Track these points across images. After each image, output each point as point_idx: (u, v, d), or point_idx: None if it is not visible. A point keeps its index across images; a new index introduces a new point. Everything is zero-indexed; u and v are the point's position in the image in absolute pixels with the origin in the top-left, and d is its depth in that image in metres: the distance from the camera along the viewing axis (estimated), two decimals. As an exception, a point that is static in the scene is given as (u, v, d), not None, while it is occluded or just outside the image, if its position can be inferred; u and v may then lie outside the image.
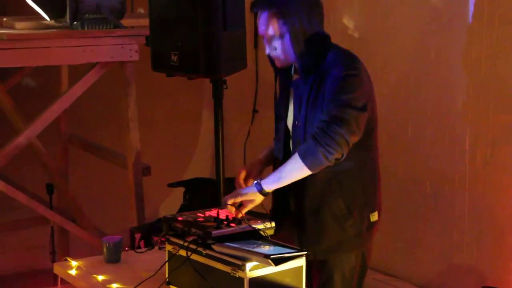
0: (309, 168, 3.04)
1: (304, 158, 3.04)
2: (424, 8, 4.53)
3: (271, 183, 3.10)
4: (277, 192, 3.16)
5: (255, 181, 3.13)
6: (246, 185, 3.27)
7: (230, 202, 3.11)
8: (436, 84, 4.49)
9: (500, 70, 4.15)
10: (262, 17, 3.15)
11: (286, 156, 3.23)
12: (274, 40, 3.16)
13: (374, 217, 3.27)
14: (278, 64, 3.23)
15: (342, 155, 3.04)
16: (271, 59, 3.27)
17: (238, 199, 3.11)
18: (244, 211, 3.11)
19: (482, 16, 4.18)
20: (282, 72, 3.29)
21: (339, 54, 3.16)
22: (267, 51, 3.21)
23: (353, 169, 3.17)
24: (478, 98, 4.27)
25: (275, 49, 3.17)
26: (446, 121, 4.45)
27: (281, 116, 3.32)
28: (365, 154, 3.20)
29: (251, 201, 3.11)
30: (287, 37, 3.13)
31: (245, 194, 3.12)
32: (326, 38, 3.20)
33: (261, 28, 3.18)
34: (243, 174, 3.33)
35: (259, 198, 3.12)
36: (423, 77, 4.56)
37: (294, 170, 3.08)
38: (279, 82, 3.36)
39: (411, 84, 4.63)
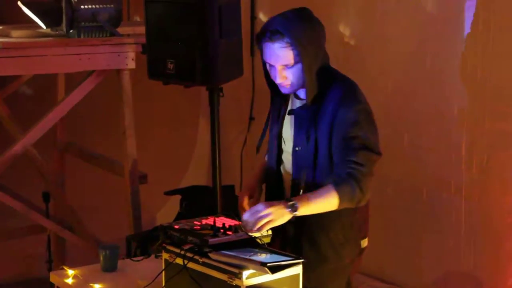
0: (339, 206, 3.05)
1: (341, 200, 3.03)
2: (420, 16, 4.53)
3: (303, 211, 3.03)
4: None
5: (291, 206, 2.99)
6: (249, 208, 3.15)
7: (262, 228, 2.96)
8: (432, 91, 4.49)
9: (495, 77, 4.15)
10: (275, 47, 3.10)
11: (277, 177, 3.26)
12: (286, 70, 3.13)
13: (365, 243, 3.31)
14: (285, 91, 3.20)
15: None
16: (270, 84, 3.26)
17: (273, 224, 2.98)
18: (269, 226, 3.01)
19: (477, 23, 4.19)
20: (278, 93, 3.28)
21: (344, 86, 3.15)
22: (278, 80, 3.16)
23: None
24: (474, 105, 4.28)
25: (286, 78, 3.15)
26: (442, 128, 4.45)
27: (274, 136, 3.32)
28: None
29: None
30: (300, 67, 3.11)
31: (278, 219, 2.97)
32: (331, 69, 3.21)
33: (271, 58, 3.13)
34: (246, 199, 3.32)
35: (285, 220, 3.02)
36: (419, 85, 4.56)
37: (326, 206, 3.06)
38: (273, 102, 3.35)
39: (407, 91, 4.64)
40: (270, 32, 3.10)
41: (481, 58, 4.20)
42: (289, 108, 3.28)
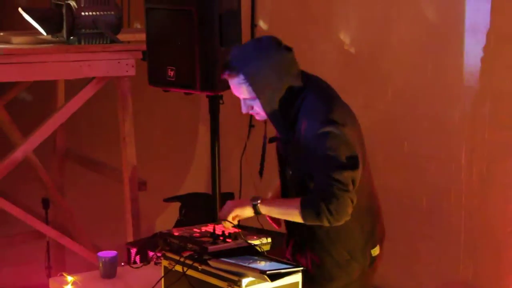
0: (303, 219, 3.05)
1: (304, 213, 3.03)
2: (420, 24, 4.54)
3: (265, 210, 3.12)
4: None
5: (254, 200, 3.11)
6: None
7: (230, 218, 3.12)
8: (433, 100, 4.49)
9: (496, 86, 4.16)
10: (233, 82, 3.11)
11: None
12: (250, 101, 3.14)
13: (376, 251, 3.27)
14: (258, 118, 3.21)
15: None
16: None
17: (237, 216, 3.14)
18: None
19: (477, 31, 4.20)
20: None
21: (311, 102, 3.09)
22: (244, 110, 3.18)
23: None
24: (474, 114, 4.27)
25: (251, 108, 3.16)
26: (442, 137, 4.45)
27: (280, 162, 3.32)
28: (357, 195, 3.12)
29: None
30: (258, 101, 3.11)
31: (242, 211, 3.13)
32: (299, 88, 3.12)
33: (233, 91, 3.16)
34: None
35: (250, 214, 3.14)
36: (419, 93, 4.56)
37: (289, 215, 3.10)
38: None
39: (408, 99, 4.64)
40: (227, 68, 3.11)
41: (482, 67, 4.20)
42: (269, 136, 3.28)
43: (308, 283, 3.13)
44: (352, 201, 3.01)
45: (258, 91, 3.08)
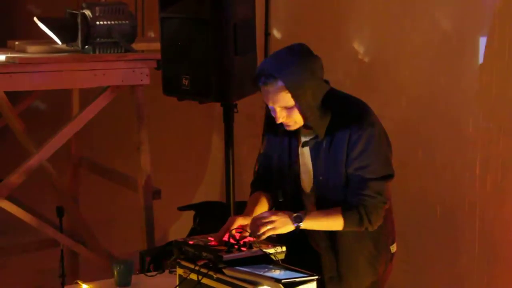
0: (344, 229, 3.14)
1: (347, 224, 3.11)
2: (435, 33, 4.53)
3: (306, 226, 3.10)
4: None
5: (297, 220, 3.07)
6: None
7: (264, 234, 3.05)
8: (447, 108, 4.49)
9: (511, 95, 4.15)
10: (270, 91, 3.10)
11: (297, 206, 3.25)
12: (287, 110, 3.12)
13: (394, 248, 3.35)
14: (289, 129, 3.20)
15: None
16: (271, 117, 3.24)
17: (273, 232, 3.07)
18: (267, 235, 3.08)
19: (492, 41, 4.19)
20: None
21: (352, 111, 3.17)
22: (280, 121, 3.15)
23: None
24: (488, 123, 4.27)
25: (288, 117, 3.14)
26: (457, 145, 4.44)
27: (287, 167, 3.31)
28: None
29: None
30: (298, 108, 3.11)
31: (283, 230, 3.08)
32: (335, 93, 3.19)
33: (269, 101, 3.13)
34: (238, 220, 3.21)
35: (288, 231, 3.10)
36: (433, 102, 4.56)
37: (331, 226, 3.16)
38: (271, 128, 3.34)
39: (422, 108, 4.63)
40: (264, 76, 3.10)
41: (496, 76, 4.19)
42: (302, 139, 3.26)
43: (339, 281, 3.15)
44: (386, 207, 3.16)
45: (298, 96, 3.07)
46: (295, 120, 3.14)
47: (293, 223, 3.07)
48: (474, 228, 4.36)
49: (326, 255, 3.24)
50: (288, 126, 3.18)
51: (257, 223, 3.07)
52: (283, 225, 3.06)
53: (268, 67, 3.10)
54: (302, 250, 3.24)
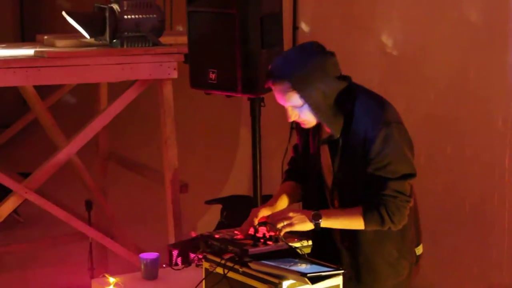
0: (366, 229, 3.11)
1: (368, 224, 3.08)
2: (464, 26, 4.50)
3: (325, 225, 3.09)
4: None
5: (316, 218, 3.06)
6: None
7: (283, 229, 3.05)
8: (475, 102, 4.46)
9: (540, 88, 4.11)
10: (279, 90, 3.09)
11: (322, 200, 3.24)
12: (297, 109, 3.11)
13: (420, 250, 3.31)
14: (304, 127, 3.19)
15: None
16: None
17: (290, 228, 3.06)
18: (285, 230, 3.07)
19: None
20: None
21: (367, 108, 3.11)
22: (290, 119, 3.14)
23: None
24: (518, 117, 4.23)
25: (298, 116, 3.13)
26: (486, 139, 4.41)
27: (310, 161, 3.29)
28: None
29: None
30: (307, 108, 3.09)
31: (302, 227, 3.07)
32: (348, 89, 3.13)
33: (279, 100, 3.12)
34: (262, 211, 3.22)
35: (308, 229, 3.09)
36: (462, 95, 4.53)
37: (351, 226, 3.12)
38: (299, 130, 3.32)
39: (450, 102, 4.61)
40: (272, 76, 3.09)
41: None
42: (323, 136, 3.23)
43: (358, 283, 3.14)
44: (410, 207, 3.11)
45: (306, 96, 3.05)
46: (307, 119, 3.13)
47: (312, 221, 3.06)
48: (503, 223, 4.33)
49: (346, 254, 3.22)
50: (303, 124, 3.17)
51: (275, 219, 3.08)
52: (301, 222, 3.06)
53: (277, 67, 3.10)
54: (323, 247, 3.21)
